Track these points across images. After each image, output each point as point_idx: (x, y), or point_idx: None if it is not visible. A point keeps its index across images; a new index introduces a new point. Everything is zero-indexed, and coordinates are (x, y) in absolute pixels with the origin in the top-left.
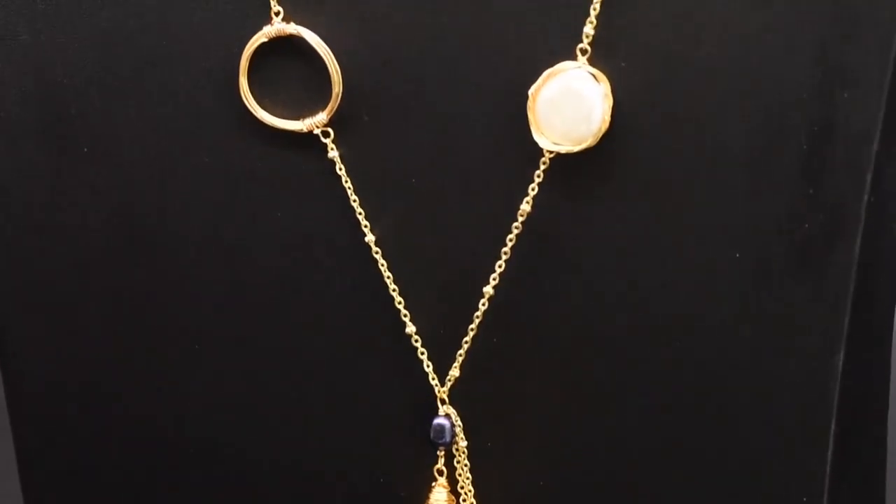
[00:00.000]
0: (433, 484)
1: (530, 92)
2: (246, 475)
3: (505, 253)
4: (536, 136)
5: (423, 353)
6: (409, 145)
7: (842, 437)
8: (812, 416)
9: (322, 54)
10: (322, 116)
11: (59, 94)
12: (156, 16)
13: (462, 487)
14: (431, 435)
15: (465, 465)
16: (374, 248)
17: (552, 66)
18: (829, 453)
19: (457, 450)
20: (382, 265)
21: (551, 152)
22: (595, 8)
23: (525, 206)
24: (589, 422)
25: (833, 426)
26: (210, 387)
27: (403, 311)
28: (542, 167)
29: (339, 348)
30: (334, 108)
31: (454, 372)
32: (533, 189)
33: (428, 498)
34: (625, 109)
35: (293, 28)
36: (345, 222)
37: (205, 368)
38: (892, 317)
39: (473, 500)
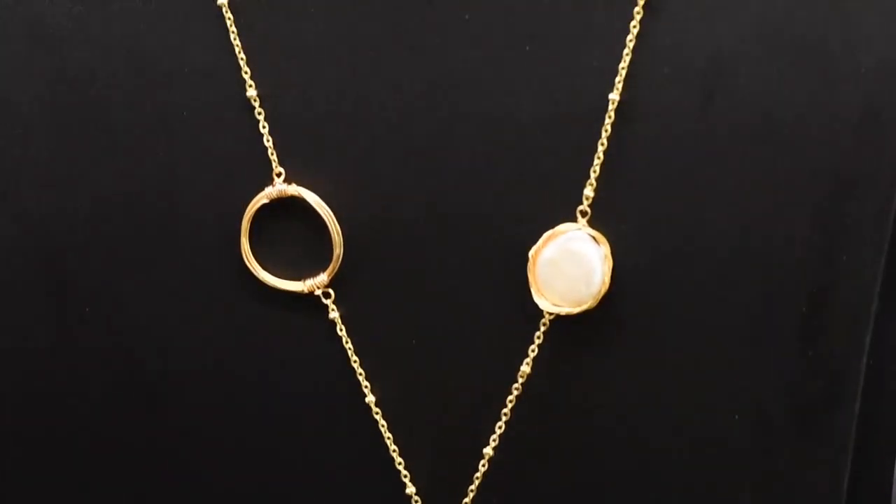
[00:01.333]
0: None
1: (531, 253)
2: None
3: (505, 414)
4: (536, 298)
5: None
6: (409, 306)
7: None
8: None
9: (323, 216)
10: (323, 277)
11: (60, 253)
12: (159, 175)
13: None
14: None
15: None
16: (375, 409)
17: (552, 227)
18: None
19: None
20: (383, 426)
21: (551, 314)
22: (595, 170)
23: (525, 368)
24: None
25: None
26: None
27: (403, 472)
28: (542, 328)
29: None
30: (335, 269)
31: None
32: (533, 350)
33: None
34: (624, 271)
35: (294, 189)
36: (345, 383)
37: None
38: (892, 476)
39: None
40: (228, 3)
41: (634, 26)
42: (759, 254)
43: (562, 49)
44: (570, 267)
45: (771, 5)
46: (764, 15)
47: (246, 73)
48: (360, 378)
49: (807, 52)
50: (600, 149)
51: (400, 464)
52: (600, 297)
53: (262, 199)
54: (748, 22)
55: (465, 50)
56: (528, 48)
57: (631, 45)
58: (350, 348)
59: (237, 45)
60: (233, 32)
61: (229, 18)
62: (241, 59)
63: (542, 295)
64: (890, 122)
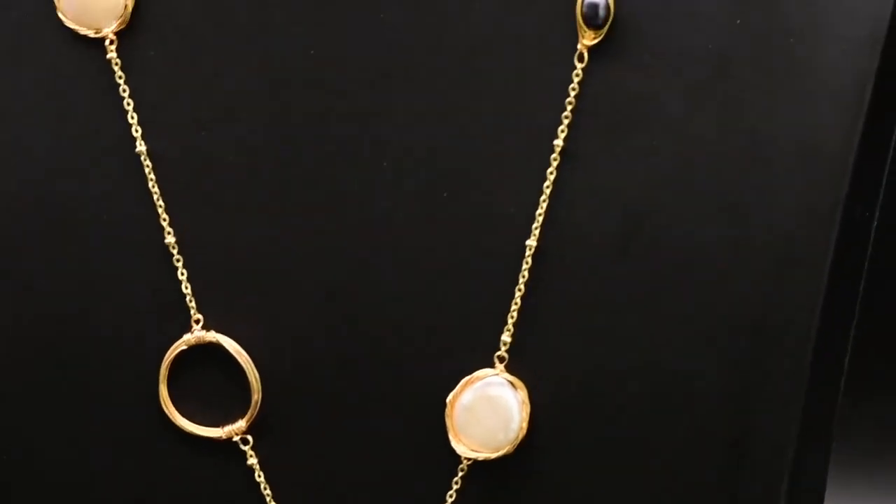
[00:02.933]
0: None
1: (448, 399)
2: None
3: None
4: (454, 444)
5: None
6: (328, 452)
7: None
8: None
9: (241, 362)
10: (241, 423)
11: None
12: (76, 322)
13: None
14: None
15: None
16: None
17: (470, 372)
18: None
19: None
20: None
21: (469, 459)
22: (512, 316)
23: None
24: None
25: None
26: None
27: None
28: (460, 474)
29: None
30: (253, 415)
31: None
32: (451, 496)
33: None
34: (543, 416)
35: (213, 336)
36: None
37: None
38: None
39: None
40: (147, 150)
41: (551, 173)
42: (676, 400)
43: (479, 194)
44: (488, 413)
45: (687, 153)
46: (680, 162)
47: (164, 220)
48: None
49: (723, 200)
50: (517, 294)
51: None
52: (518, 442)
53: (180, 345)
54: (665, 168)
55: (383, 195)
56: (445, 194)
57: (548, 191)
58: (268, 494)
59: (155, 193)
60: (151, 180)
61: (148, 166)
62: (160, 205)
63: (460, 441)
64: (806, 271)
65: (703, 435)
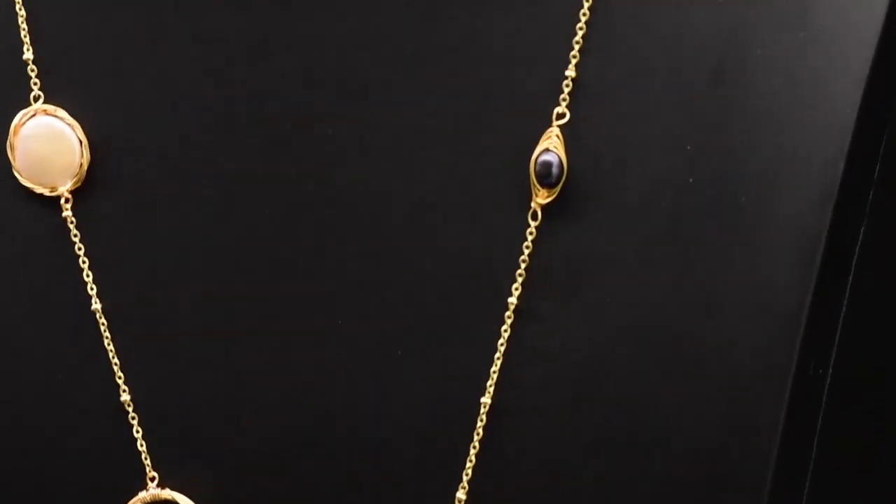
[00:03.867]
0: None
1: None
2: None
3: None
4: None
5: None
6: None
7: None
8: None
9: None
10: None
11: None
12: (32, 482)
13: None
14: None
15: None
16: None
17: None
18: None
19: None
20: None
21: None
22: (467, 473)
23: None
24: None
25: None
26: None
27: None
28: None
29: None
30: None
31: None
32: None
33: None
34: None
35: (168, 493)
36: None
37: None
38: None
39: None
40: (102, 308)
41: (506, 330)
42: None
43: (434, 352)
44: None
45: (641, 309)
46: (634, 318)
47: (119, 377)
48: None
49: (677, 356)
50: (472, 451)
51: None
52: None
53: (136, 503)
54: (619, 324)
55: (339, 351)
56: (399, 352)
57: (502, 349)
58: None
59: (111, 350)
60: (106, 337)
61: (103, 323)
62: (115, 363)
63: None
64: (760, 427)
65: None
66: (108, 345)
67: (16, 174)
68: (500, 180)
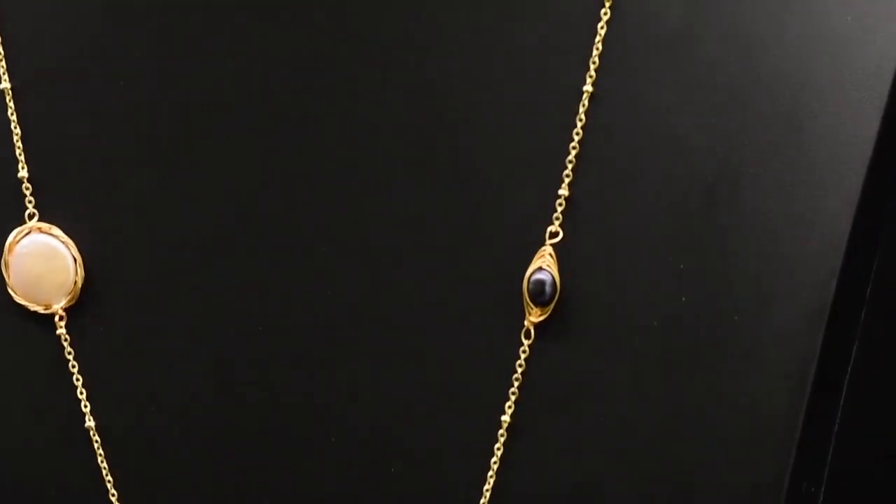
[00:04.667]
0: None
1: None
2: None
3: None
4: None
5: None
6: None
7: None
8: None
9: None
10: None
11: None
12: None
13: None
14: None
15: None
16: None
17: None
18: None
19: None
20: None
21: None
22: None
23: None
24: None
25: None
26: None
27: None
28: None
29: None
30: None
31: None
32: None
33: None
34: None
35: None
36: None
37: None
38: None
39: None
40: (96, 425)
41: (498, 448)
42: None
43: (427, 469)
44: None
45: (633, 428)
46: (626, 437)
47: (113, 495)
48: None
49: (669, 474)
50: None
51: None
52: None
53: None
54: (612, 442)
55: (328, 471)
56: (393, 469)
57: (495, 466)
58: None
59: (104, 468)
60: (100, 455)
61: (97, 441)
62: (109, 480)
63: None
64: None
65: None
66: (102, 462)
67: (10, 292)
68: (494, 298)
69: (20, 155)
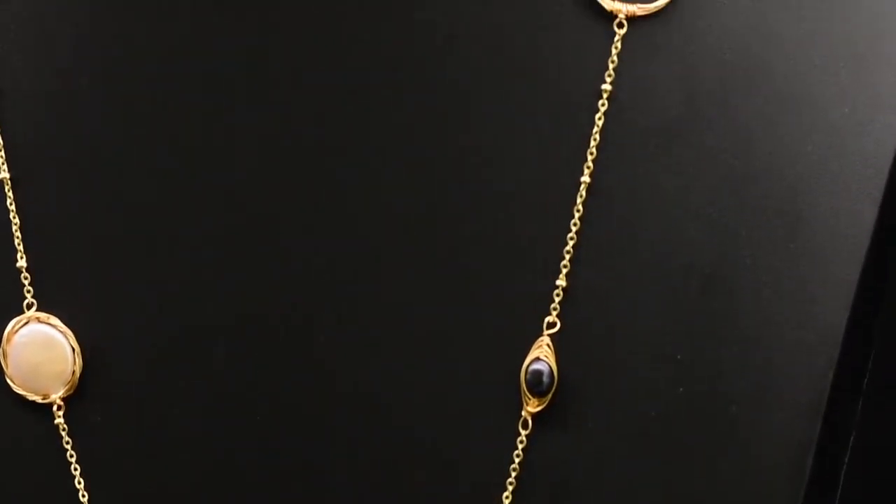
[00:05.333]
0: None
1: None
2: None
3: None
4: None
5: None
6: None
7: None
8: None
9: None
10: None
11: None
12: None
13: None
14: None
15: None
16: None
17: None
18: None
19: None
20: None
21: None
22: None
23: None
24: None
25: None
26: None
27: None
28: None
29: None
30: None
31: None
32: None
33: None
34: None
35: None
36: None
37: None
38: None
39: None
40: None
41: None
42: None
43: None
44: None
45: None
46: None
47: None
48: None
49: None
50: None
51: None
52: None
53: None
54: None
55: None
56: None
57: None
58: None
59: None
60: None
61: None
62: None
63: None
64: None
65: None
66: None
67: (8, 381)
68: (492, 388)
69: (19, 244)
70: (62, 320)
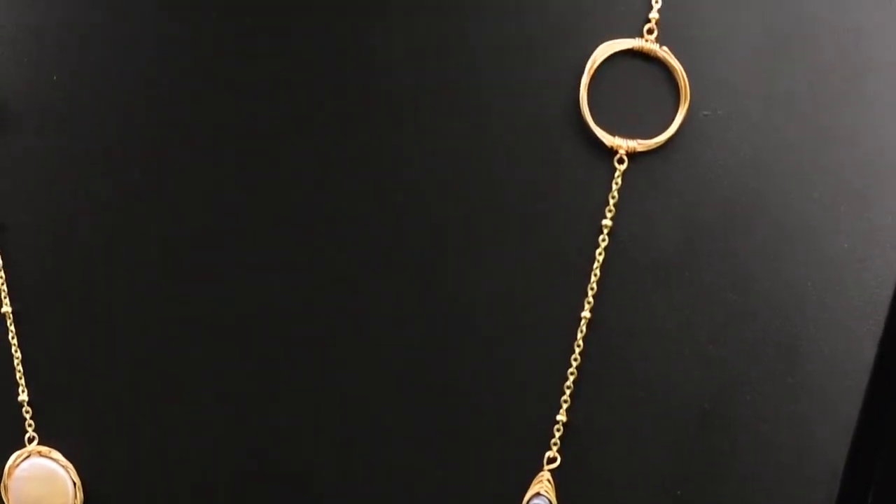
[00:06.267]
0: None
1: None
2: None
3: None
4: None
5: None
6: None
7: None
8: None
9: None
10: None
11: None
12: None
13: None
14: None
15: None
16: None
17: None
18: None
19: None
20: None
21: None
22: None
23: None
24: None
25: None
26: None
27: None
28: None
29: None
30: None
31: None
32: None
33: None
34: None
35: None
36: None
37: None
38: None
39: None
40: None
41: None
42: None
43: None
44: None
45: None
46: None
47: None
48: None
49: None
50: None
51: None
52: None
53: None
54: None
55: None
56: None
57: None
58: None
59: None
60: None
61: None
62: None
63: None
64: None
65: None
66: None
67: None
68: None
69: (20, 378)
70: (63, 454)
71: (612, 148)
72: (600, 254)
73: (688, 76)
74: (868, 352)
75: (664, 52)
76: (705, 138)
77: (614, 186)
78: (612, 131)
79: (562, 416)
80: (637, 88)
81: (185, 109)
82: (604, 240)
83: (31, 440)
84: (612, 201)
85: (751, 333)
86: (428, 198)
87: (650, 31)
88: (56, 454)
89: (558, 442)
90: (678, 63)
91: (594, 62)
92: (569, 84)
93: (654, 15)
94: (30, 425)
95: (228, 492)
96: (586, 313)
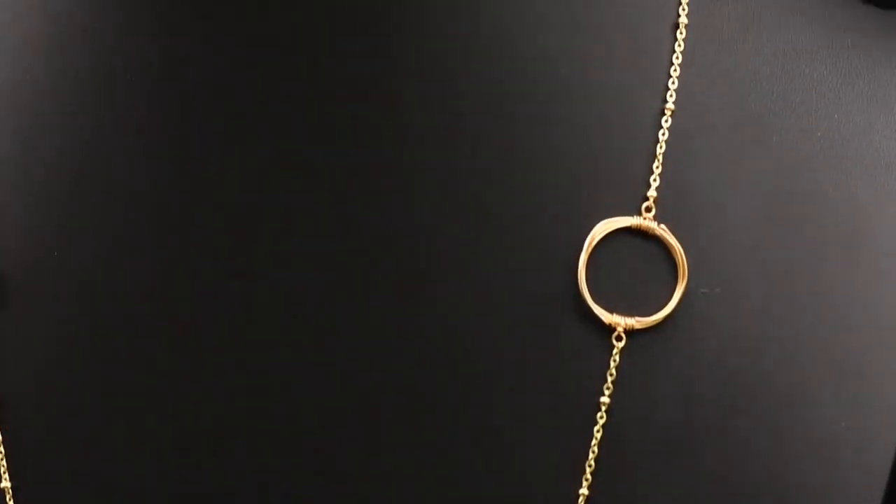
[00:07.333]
0: None
1: None
2: None
3: None
4: None
5: None
6: None
7: None
8: None
9: None
10: None
11: None
12: None
13: None
14: None
15: None
16: None
17: None
18: None
19: None
20: None
21: None
22: None
23: None
24: None
25: None
26: None
27: None
28: None
29: None
30: None
31: None
32: None
33: None
34: None
35: None
36: None
37: None
38: None
39: None
40: None
41: None
42: None
43: None
44: None
45: None
46: None
47: None
48: None
49: None
50: None
51: None
52: None
53: None
54: None
55: None
56: None
57: None
58: None
59: None
60: None
61: None
62: None
63: None
64: None
65: None
66: None
67: None
68: None
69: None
70: None
71: (610, 325)
72: (598, 431)
73: (685, 253)
74: None
75: (662, 230)
76: (703, 315)
77: (612, 364)
78: (610, 308)
79: (584, 490)
80: (635, 266)
81: (185, 113)
82: (602, 417)
83: None
84: (609, 379)
85: None
86: (425, 371)
87: (648, 209)
88: None
89: None
90: (676, 241)
91: (593, 239)
92: (567, 261)
93: (651, 193)
94: None
95: None
96: (584, 490)
